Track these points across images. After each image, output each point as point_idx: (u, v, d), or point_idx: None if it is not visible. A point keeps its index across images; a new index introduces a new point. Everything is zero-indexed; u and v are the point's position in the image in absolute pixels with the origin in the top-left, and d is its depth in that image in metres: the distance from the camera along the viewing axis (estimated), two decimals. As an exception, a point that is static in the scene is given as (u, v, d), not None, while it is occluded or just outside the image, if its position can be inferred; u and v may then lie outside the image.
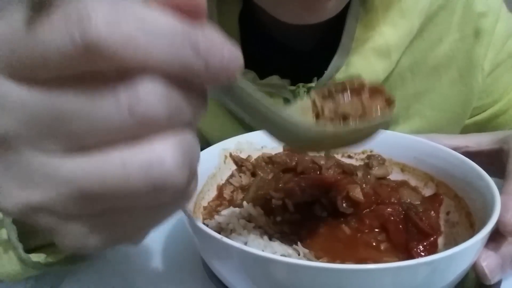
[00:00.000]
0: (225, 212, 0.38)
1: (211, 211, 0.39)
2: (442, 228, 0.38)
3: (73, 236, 0.20)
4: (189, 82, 0.19)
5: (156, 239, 0.43)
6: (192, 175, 0.20)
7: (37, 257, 0.35)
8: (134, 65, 0.17)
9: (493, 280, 0.32)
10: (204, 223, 0.33)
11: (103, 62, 0.17)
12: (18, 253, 0.34)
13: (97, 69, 0.17)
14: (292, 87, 0.53)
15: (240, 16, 0.54)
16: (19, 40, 0.17)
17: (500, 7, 0.55)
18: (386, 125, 0.32)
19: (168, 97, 0.18)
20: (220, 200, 0.42)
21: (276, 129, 0.26)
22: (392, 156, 0.45)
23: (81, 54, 0.16)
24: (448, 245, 0.36)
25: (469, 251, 0.29)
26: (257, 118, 0.24)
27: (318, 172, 0.44)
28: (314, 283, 0.28)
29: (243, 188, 0.43)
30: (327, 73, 0.51)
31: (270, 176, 0.44)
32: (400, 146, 0.44)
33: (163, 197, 0.19)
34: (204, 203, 0.41)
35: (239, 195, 0.42)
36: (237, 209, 0.39)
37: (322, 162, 0.45)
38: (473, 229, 0.35)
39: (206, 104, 0.20)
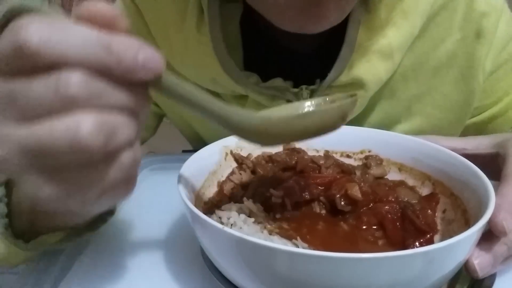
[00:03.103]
0: (225, 207, 0.39)
1: (211, 207, 0.40)
2: (439, 226, 0.39)
3: (29, 185, 0.26)
4: (108, 74, 0.25)
5: (157, 234, 0.44)
6: (110, 148, 0.26)
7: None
8: (57, 59, 0.24)
9: (483, 276, 0.33)
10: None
11: (35, 57, 0.24)
12: (2, 234, 0.37)
13: (34, 63, 0.24)
14: (295, 89, 0.53)
15: (242, 19, 0.54)
16: None
17: (503, 7, 0.56)
18: (344, 116, 0.33)
19: (87, 82, 0.24)
20: (221, 197, 0.42)
21: (217, 118, 0.30)
22: (390, 156, 0.46)
23: (18, 53, 0.24)
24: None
25: (464, 243, 0.30)
26: (195, 109, 0.29)
27: (317, 171, 0.45)
28: (313, 272, 0.28)
29: (243, 185, 0.44)
30: (330, 75, 0.51)
31: (270, 174, 0.45)
32: (398, 146, 0.45)
33: (83, 158, 0.25)
34: (205, 198, 0.41)
35: (239, 192, 0.43)
36: (237, 205, 0.39)
37: (321, 161, 0.46)
38: (468, 226, 0.36)
39: (142, 97, 0.27)
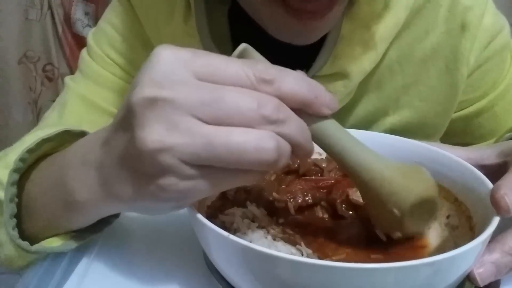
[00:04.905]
0: (229, 211, 0.39)
1: (215, 211, 0.40)
2: (443, 232, 0.39)
3: (182, 176, 0.29)
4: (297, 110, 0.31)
5: (158, 235, 0.44)
6: (271, 167, 0.30)
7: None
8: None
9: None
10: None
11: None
12: (11, 235, 0.37)
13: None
14: None
15: (231, 13, 0.55)
16: None
17: (487, 2, 0.57)
18: None
19: (282, 110, 0.30)
20: (223, 200, 0.42)
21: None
22: (393, 160, 0.45)
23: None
24: (449, 247, 0.37)
25: (470, 253, 0.30)
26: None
27: (320, 175, 0.45)
28: (317, 281, 0.28)
29: (246, 189, 0.43)
30: (314, 66, 0.53)
31: (272, 178, 0.45)
32: (402, 150, 0.45)
33: (252, 164, 0.29)
34: (208, 202, 0.41)
35: (242, 196, 0.42)
36: (241, 209, 0.39)
37: (324, 164, 0.46)
38: (473, 232, 0.36)
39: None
